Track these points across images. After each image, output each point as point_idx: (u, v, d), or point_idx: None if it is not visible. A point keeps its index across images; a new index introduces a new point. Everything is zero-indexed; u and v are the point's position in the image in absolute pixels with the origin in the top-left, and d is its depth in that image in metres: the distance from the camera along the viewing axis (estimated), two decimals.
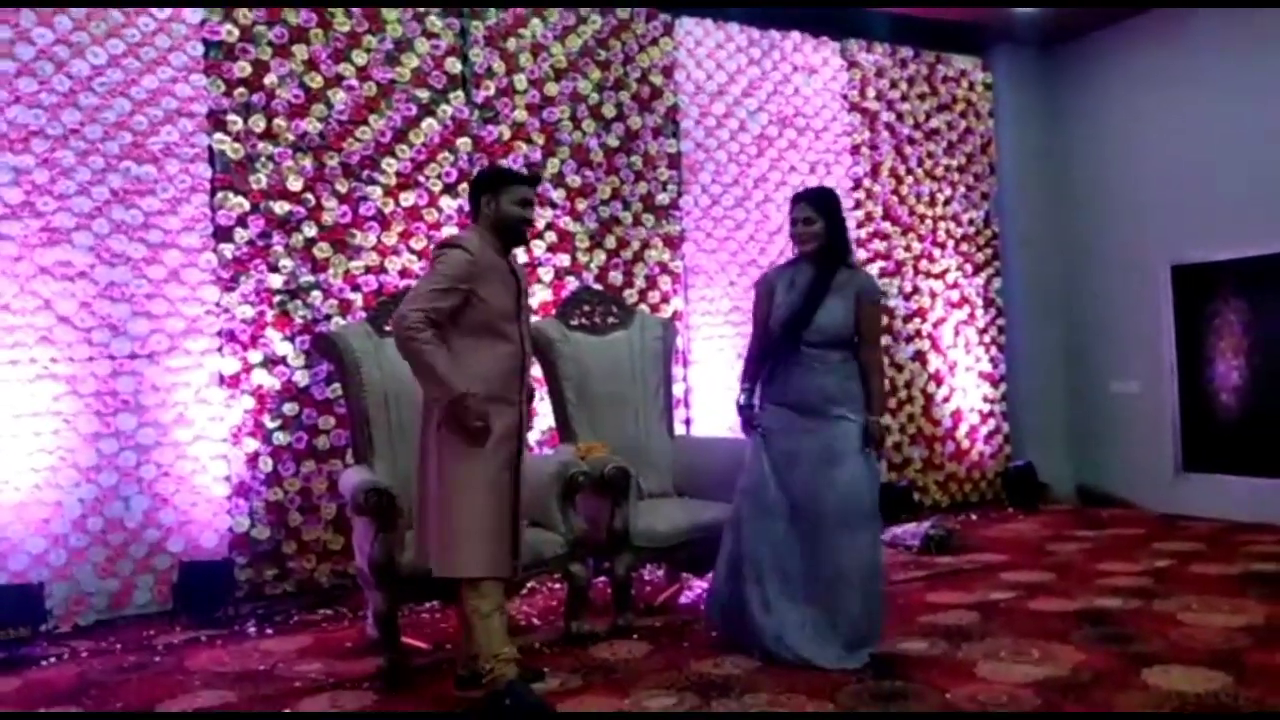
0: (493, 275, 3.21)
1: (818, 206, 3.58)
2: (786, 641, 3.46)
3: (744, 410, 3.68)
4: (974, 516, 6.32)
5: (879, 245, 6.35)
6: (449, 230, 4.94)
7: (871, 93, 6.37)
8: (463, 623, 3.26)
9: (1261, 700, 2.99)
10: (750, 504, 3.60)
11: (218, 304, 4.52)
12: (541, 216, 5.13)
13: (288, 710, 3.28)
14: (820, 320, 3.51)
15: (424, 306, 3.10)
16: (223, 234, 4.53)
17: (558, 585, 4.55)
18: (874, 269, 6.29)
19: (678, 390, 5.38)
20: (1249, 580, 4.43)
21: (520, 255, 4.39)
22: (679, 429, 5.23)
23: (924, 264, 6.52)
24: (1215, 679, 3.17)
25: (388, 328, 4.15)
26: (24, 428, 4.13)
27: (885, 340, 6.29)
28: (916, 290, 6.48)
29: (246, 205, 4.56)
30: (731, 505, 3.72)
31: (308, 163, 4.68)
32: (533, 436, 4.81)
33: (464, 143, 5.02)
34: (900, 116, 6.48)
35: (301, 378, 4.62)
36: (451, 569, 3.15)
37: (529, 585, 4.51)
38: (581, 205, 5.30)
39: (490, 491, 3.15)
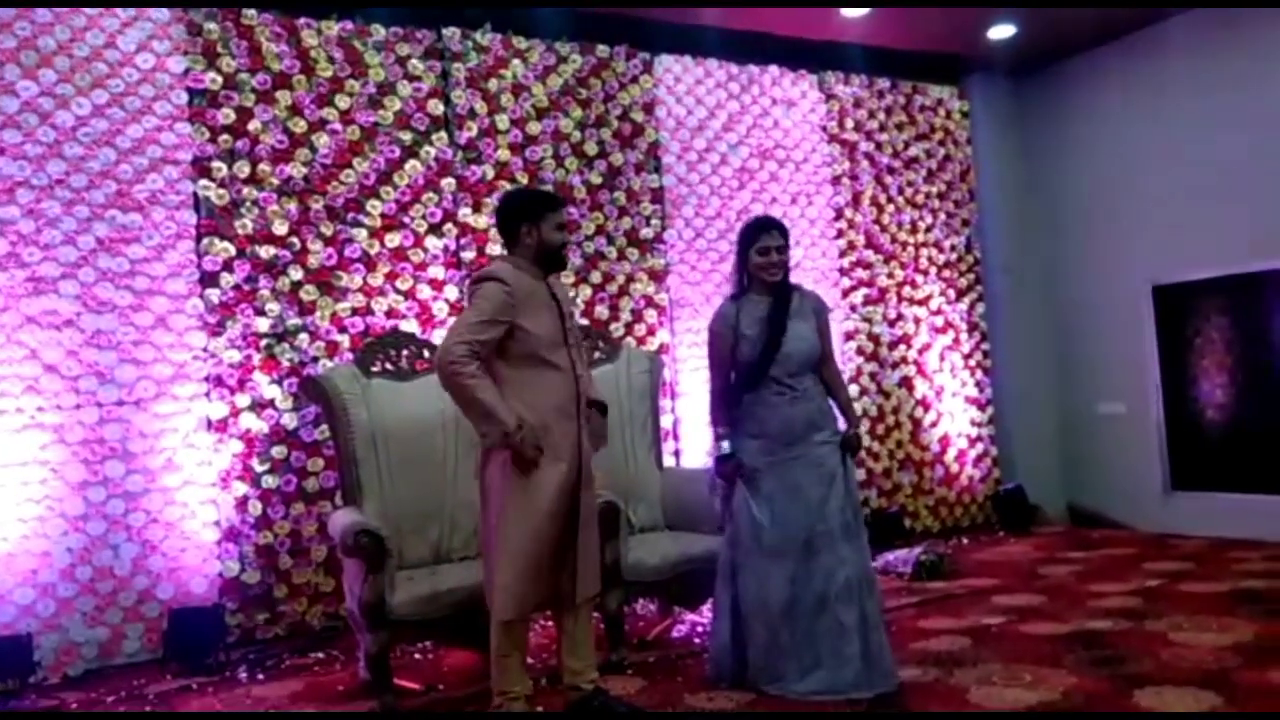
0: (533, 303, 3.19)
1: (786, 235, 3.61)
2: (794, 686, 3.41)
3: (725, 460, 3.57)
4: (965, 541, 6.33)
5: (862, 274, 6.40)
6: (434, 271, 4.98)
7: (850, 124, 6.45)
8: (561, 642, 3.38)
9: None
10: (745, 552, 3.52)
11: (205, 349, 4.53)
12: None
13: None
14: (793, 347, 3.50)
15: (467, 339, 3.07)
16: (209, 279, 4.56)
17: (549, 622, 4.54)
18: (857, 297, 6.35)
19: (666, 422, 5.40)
20: (1238, 598, 4.45)
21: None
22: (668, 461, 5.24)
23: (907, 291, 6.58)
24: (1206, 699, 3.18)
25: (374, 369, 4.20)
26: (11, 477, 4.12)
27: (871, 367, 6.36)
28: (901, 317, 6.53)
29: (232, 250, 4.59)
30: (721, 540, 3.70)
31: (293, 207, 4.72)
32: None
33: (448, 183, 5.06)
34: (879, 146, 6.56)
35: (290, 420, 4.62)
36: (492, 607, 3.19)
37: None
38: None
39: (531, 532, 3.13)
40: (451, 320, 4.90)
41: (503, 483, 3.17)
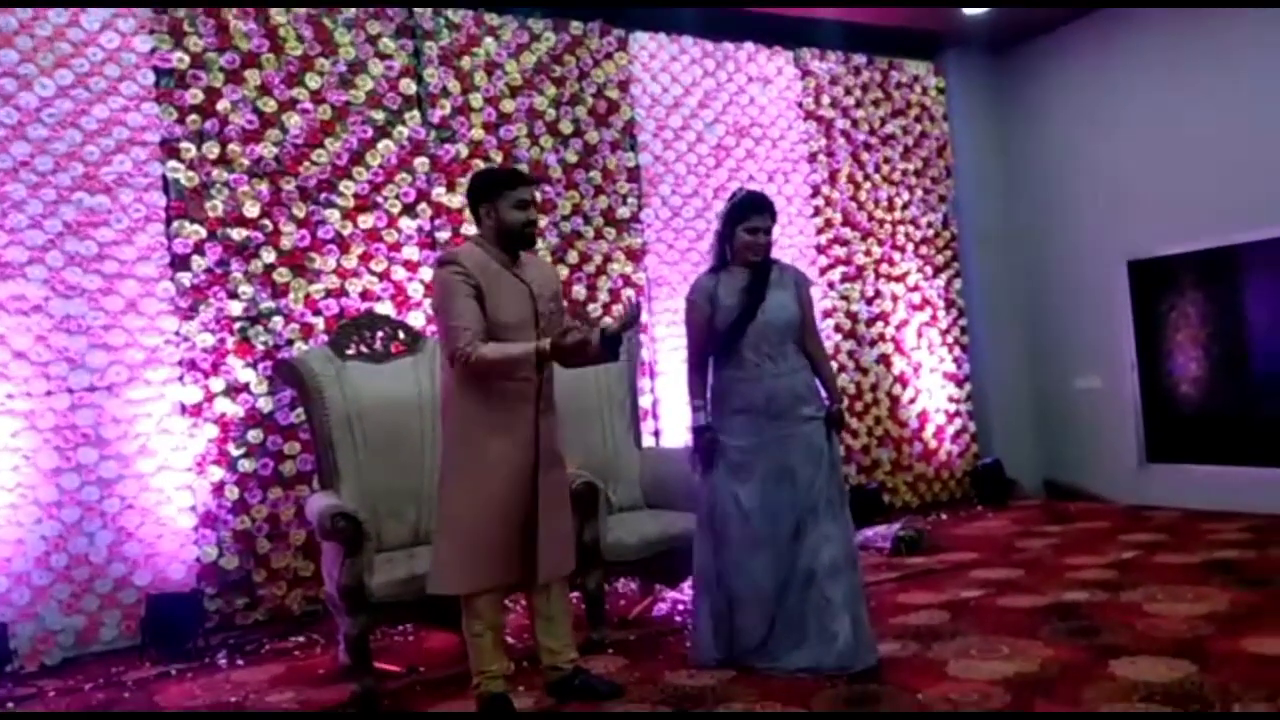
0: (496, 285, 3.15)
1: (775, 216, 3.60)
2: (782, 663, 3.43)
3: (702, 432, 3.56)
4: (944, 516, 6.38)
5: (839, 251, 6.40)
6: (408, 251, 4.94)
7: (826, 100, 6.43)
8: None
9: (1225, 686, 3.03)
10: (733, 540, 3.48)
11: (177, 333, 4.48)
12: None
13: None
14: (773, 315, 3.49)
15: (460, 330, 3.05)
16: (180, 262, 4.50)
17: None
18: (835, 274, 6.35)
19: (645, 402, 5.39)
20: (1212, 568, 4.50)
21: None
22: (647, 440, 5.24)
23: (885, 268, 6.59)
24: (1180, 668, 3.22)
25: (349, 351, 4.17)
26: None
27: (849, 345, 6.37)
28: (878, 294, 6.54)
29: (203, 233, 4.53)
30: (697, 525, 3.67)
31: (264, 188, 4.66)
32: None
33: (421, 163, 5.01)
34: (856, 123, 6.55)
35: (265, 404, 4.58)
36: (433, 585, 3.20)
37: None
38: (542, 221, 5.30)
39: (484, 506, 3.11)
40: (427, 303, 4.87)
41: (449, 461, 3.18)
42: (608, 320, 3.13)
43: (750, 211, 3.54)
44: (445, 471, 3.21)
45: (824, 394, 3.62)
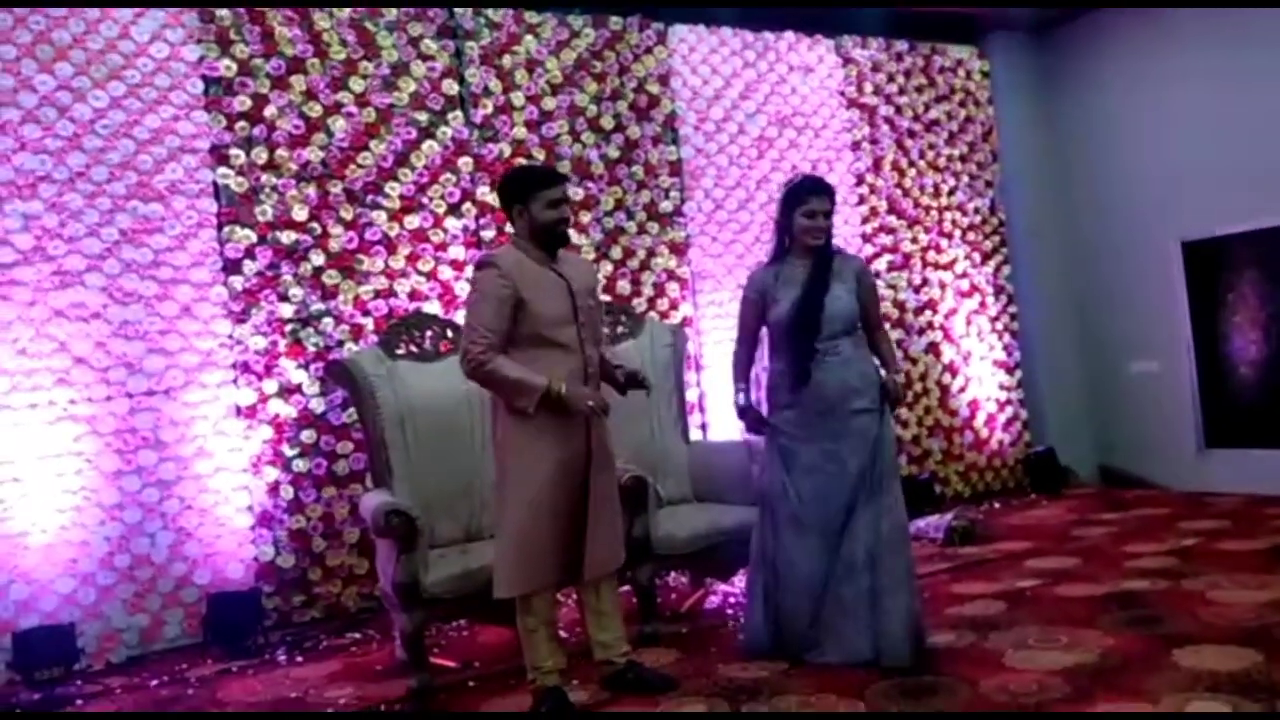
0: (535, 283, 3.17)
1: (834, 199, 3.57)
2: (831, 656, 3.43)
3: (746, 411, 3.63)
4: (997, 505, 6.30)
5: (885, 239, 6.34)
6: (455, 251, 4.98)
7: (869, 88, 6.37)
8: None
9: None
10: (784, 530, 3.51)
11: (230, 336, 4.55)
12: None
13: None
14: (831, 309, 3.47)
15: (478, 333, 3.10)
16: (232, 267, 4.57)
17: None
18: (881, 263, 6.29)
19: (691, 396, 5.38)
20: (1276, 554, 4.39)
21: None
22: (695, 434, 5.23)
23: (932, 255, 6.51)
24: (1246, 656, 3.15)
25: (399, 350, 4.22)
26: (47, 469, 4.17)
27: (898, 334, 6.30)
28: (926, 282, 6.47)
29: (254, 237, 4.60)
30: (753, 509, 3.70)
31: (312, 191, 4.72)
32: None
33: (465, 163, 5.05)
34: (899, 110, 6.48)
35: (317, 405, 4.65)
36: (496, 588, 3.21)
37: None
38: (585, 218, 5.32)
39: (536, 507, 3.13)
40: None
41: (503, 463, 3.19)
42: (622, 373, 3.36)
43: (808, 194, 3.52)
44: (499, 473, 3.23)
45: (882, 373, 3.59)
